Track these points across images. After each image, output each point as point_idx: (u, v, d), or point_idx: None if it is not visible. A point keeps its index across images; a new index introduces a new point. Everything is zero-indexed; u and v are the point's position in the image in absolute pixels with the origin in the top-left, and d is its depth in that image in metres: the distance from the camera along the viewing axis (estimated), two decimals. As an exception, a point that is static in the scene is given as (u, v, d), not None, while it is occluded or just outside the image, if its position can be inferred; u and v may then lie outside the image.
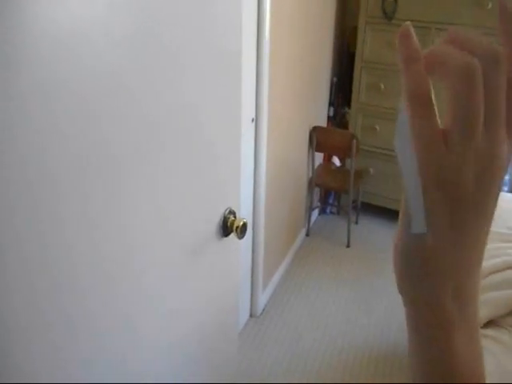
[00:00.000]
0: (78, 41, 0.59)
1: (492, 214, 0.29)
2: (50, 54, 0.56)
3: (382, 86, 2.78)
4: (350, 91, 2.94)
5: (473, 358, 0.29)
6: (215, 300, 1.08)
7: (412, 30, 0.26)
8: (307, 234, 2.97)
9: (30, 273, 0.59)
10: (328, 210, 3.25)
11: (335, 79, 3.04)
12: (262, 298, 2.34)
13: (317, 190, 3.08)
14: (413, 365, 0.31)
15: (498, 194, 0.28)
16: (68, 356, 0.68)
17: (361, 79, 2.87)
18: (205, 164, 0.93)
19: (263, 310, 2.35)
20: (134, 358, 0.84)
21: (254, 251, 2.19)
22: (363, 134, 2.90)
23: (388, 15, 2.70)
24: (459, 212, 0.27)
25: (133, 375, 0.84)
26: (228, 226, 1.01)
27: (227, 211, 1.01)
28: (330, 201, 3.27)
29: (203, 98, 0.87)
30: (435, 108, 0.26)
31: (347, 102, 3.04)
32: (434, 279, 0.29)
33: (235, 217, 1.03)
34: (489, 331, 1.29)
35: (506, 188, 2.89)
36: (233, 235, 1.02)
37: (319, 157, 3.04)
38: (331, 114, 3.08)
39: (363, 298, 2.45)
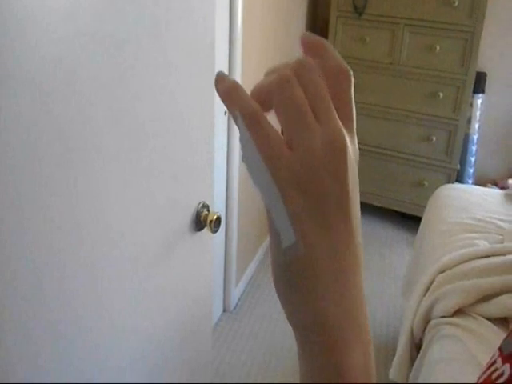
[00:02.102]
0: (38, 30, 0.56)
1: (357, 212, 0.29)
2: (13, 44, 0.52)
3: (354, 81, 2.80)
4: (322, 85, 2.96)
5: (364, 361, 0.29)
6: (188, 295, 1.06)
7: (226, 76, 0.30)
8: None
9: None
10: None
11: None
12: (236, 293, 2.33)
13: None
14: (301, 375, 0.31)
15: (356, 188, 0.29)
16: (27, 357, 0.65)
17: (332, 74, 2.88)
18: (177, 157, 0.90)
19: (236, 304, 2.35)
20: (102, 357, 0.81)
21: (226, 246, 2.17)
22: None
23: (358, 10, 2.72)
24: (323, 212, 0.27)
25: (101, 375, 0.82)
26: (201, 221, 0.99)
27: (200, 205, 0.99)
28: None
29: (175, 92, 0.85)
30: (269, 122, 0.28)
31: (319, 96, 3.06)
32: (314, 289, 0.27)
33: (208, 211, 1.01)
34: (457, 320, 1.34)
35: (470, 180, 2.99)
36: (206, 229, 1.00)
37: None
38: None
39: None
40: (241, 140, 0.28)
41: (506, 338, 0.49)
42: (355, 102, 0.29)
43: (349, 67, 0.30)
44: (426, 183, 2.86)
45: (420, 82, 2.71)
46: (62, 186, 0.64)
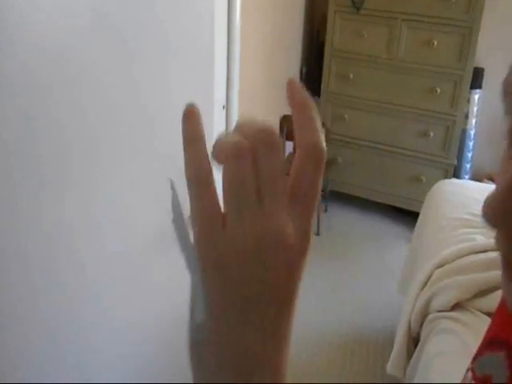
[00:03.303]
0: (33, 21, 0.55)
1: (288, 297, 0.26)
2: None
3: (351, 76, 2.80)
4: (320, 81, 2.95)
5: None
6: (185, 289, 1.06)
7: (196, 110, 0.27)
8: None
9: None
10: (297, 199, 3.26)
11: (305, 69, 3.04)
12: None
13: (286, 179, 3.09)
14: None
15: (293, 276, 0.26)
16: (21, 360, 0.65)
17: (330, 69, 2.88)
18: (176, 151, 0.90)
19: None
20: (100, 355, 0.81)
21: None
22: (332, 123, 2.92)
23: (356, 5, 2.71)
24: (237, 299, 0.25)
25: (99, 373, 0.81)
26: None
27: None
28: (300, 190, 3.29)
29: (174, 85, 0.84)
30: (215, 190, 0.26)
31: (317, 91, 3.05)
32: (216, 375, 0.26)
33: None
34: (454, 314, 1.34)
35: (467, 176, 3.00)
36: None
37: (289, 146, 3.04)
38: (301, 103, 3.08)
39: (331, 284, 2.49)
40: (173, 204, 0.26)
41: (476, 357, 0.45)
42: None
43: (324, 148, 0.27)
44: (423, 178, 2.87)
45: (417, 77, 2.71)
46: (57, 181, 0.64)
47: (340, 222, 3.03)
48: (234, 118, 1.98)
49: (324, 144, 0.27)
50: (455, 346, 1.25)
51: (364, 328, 2.22)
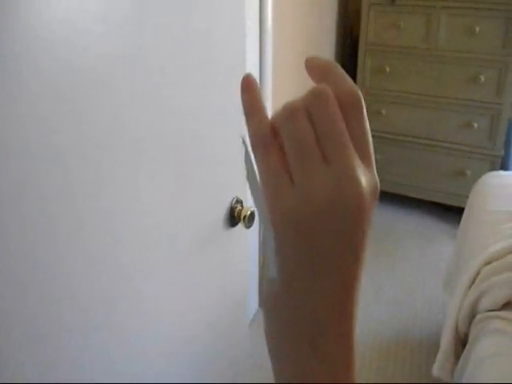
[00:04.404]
0: (71, 34, 0.57)
1: (359, 253, 0.25)
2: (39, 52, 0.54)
3: (388, 69, 2.72)
4: (355, 77, 2.89)
5: None
6: (225, 291, 1.07)
7: (254, 79, 0.28)
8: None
9: (19, 269, 0.57)
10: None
11: (339, 64, 2.99)
12: (273, 288, 2.33)
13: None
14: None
15: (364, 226, 0.25)
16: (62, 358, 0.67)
17: (365, 63, 2.81)
18: (209, 154, 0.91)
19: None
20: (136, 355, 0.83)
21: (260, 241, 2.17)
22: (369, 120, 2.83)
23: (391, -4, 2.64)
24: (313, 261, 0.25)
25: (134, 373, 0.83)
26: (235, 216, 0.99)
27: (234, 200, 0.99)
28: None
29: (208, 88, 0.85)
30: (279, 153, 0.26)
31: (352, 86, 2.99)
32: (287, 328, 0.26)
33: (242, 206, 1.01)
34: (505, 313, 1.27)
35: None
36: (240, 225, 1.00)
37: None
38: (336, 99, 3.04)
39: (373, 284, 2.43)
40: (245, 161, 0.27)
41: None
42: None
43: (359, 91, 0.27)
44: (468, 172, 2.74)
45: (459, 66, 2.60)
46: (92, 180, 0.65)
47: (381, 220, 2.95)
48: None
49: (359, 90, 0.27)
50: (507, 347, 1.18)
51: (408, 328, 2.15)
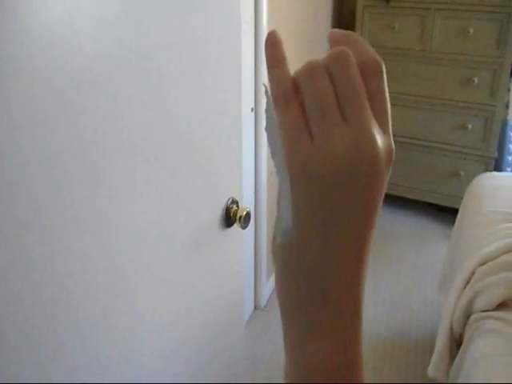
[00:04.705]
0: (67, 34, 0.57)
1: (372, 213, 0.27)
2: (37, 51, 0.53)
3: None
4: (350, 77, 2.90)
5: (347, 365, 0.28)
6: (220, 292, 1.06)
7: (279, 36, 0.28)
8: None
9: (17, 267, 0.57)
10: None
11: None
12: (266, 290, 2.33)
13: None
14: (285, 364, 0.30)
15: (379, 187, 0.26)
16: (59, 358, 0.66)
17: (360, 64, 2.82)
18: (206, 154, 0.90)
19: (267, 301, 2.34)
20: (131, 356, 0.82)
21: (256, 242, 2.17)
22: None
23: (386, -3, 2.65)
24: (329, 216, 0.25)
25: (130, 373, 0.83)
26: (231, 216, 0.99)
27: (230, 201, 0.99)
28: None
29: (203, 88, 0.85)
30: (299, 107, 0.27)
31: (347, 88, 3.00)
32: (299, 279, 0.27)
33: (238, 206, 1.01)
34: (500, 313, 1.28)
35: (508, 169, 2.86)
36: (236, 225, 1.00)
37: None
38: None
39: (368, 285, 2.44)
40: (266, 111, 0.27)
41: None
42: (389, 92, 0.28)
43: (381, 60, 0.28)
44: (462, 173, 2.76)
45: (453, 67, 2.61)
46: (87, 180, 0.65)
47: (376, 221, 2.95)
48: (263, 121, 1.98)
49: (377, 55, 0.28)
50: (502, 347, 1.19)
51: (404, 329, 2.16)
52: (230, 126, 0.98)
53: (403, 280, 2.46)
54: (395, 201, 2.98)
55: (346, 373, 0.28)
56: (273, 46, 0.28)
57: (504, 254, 1.41)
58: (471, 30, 2.50)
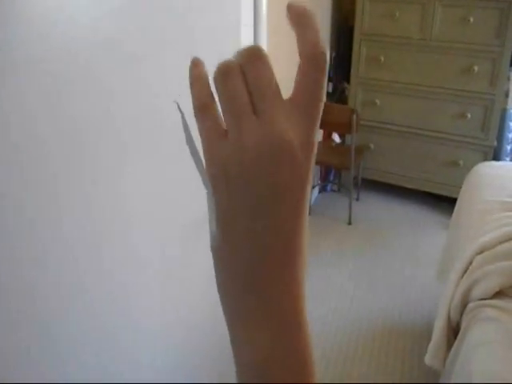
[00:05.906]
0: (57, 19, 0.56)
1: (295, 202, 0.27)
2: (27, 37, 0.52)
3: (382, 59, 2.71)
4: (349, 66, 2.88)
5: (282, 354, 0.27)
6: (214, 290, 1.06)
7: (201, 61, 0.29)
8: (308, 213, 2.95)
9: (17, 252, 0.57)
10: (329, 188, 3.23)
11: (334, 54, 2.97)
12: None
13: (317, 168, 3.06)
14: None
15: (297, 177, 0.26)
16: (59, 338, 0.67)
17: (360, 53, 2.80)
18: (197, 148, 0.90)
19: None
20: (130, 355, 0.83)
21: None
22: (363, 109, 2.85)
23: (386, -15, 2.62)
24: (244, 207, 0.26)
25: (131, 372, 0.83)
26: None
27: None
28: (331, 178, 3.25)
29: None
30: (218, 115, 0.28)
31: (346, 77, 2.98)
32: (232, 280, 0.28)
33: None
34: (497, 302, 1.28)
35: (507, 158, 2.86)
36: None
37: (319, 134, 3.00)
38: (330, 89, 3.03)
39: (366, 274, 2.45)
40: (183, 125, 0.28)
41: None
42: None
43: (325, 49, 0.27)
44: (460, 162, 2.76)
45: (453, 56, 2.60)
46: (77, 180, 0.65)
47: (373, 210, 2.96)
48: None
49: (325, 46, 0.27)
50: (498, 335, 1.20)
51: (401, 318, 2.17)
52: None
53: (401, 269, 2.48)
54: (393, 190, 2.99)
55: (291, 362, 0.28)
56: (196, 66, 0.29)
57: (502, 243, 1.42)
58: (471, 19, 2.48)
